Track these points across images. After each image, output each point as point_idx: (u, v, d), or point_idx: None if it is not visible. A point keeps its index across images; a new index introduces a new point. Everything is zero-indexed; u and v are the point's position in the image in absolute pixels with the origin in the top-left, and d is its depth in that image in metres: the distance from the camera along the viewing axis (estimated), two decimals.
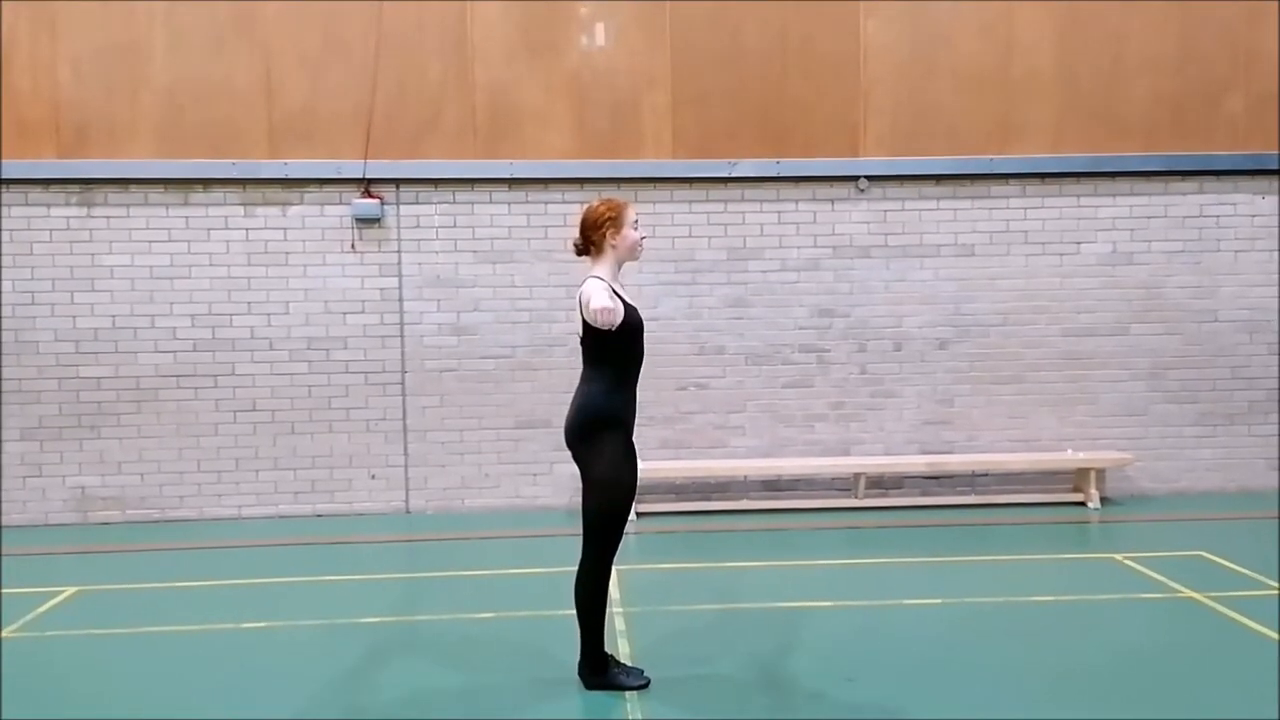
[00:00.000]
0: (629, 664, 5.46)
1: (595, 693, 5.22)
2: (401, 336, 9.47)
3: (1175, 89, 9.63)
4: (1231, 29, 9.60)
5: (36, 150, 9.11)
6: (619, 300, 4.97)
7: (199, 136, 9.20)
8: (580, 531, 5.17)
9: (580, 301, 4.92)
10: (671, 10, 9.39)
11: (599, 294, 4.82)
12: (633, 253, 5.17)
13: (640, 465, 9.72)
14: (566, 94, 9.42)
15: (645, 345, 5.22)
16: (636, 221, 5.17)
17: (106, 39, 9.12)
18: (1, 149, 9.03)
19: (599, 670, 5.27)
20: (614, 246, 5.10)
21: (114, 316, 9.28)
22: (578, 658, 5.29)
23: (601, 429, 5.04)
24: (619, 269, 5.16)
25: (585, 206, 5.22)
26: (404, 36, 9.27)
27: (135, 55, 9.15)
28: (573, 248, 5.22)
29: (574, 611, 5.20)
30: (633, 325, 5.05)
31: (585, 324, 5.01)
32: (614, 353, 5.06)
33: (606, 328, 4.85)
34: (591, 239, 5.12)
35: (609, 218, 5.09)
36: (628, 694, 5.19)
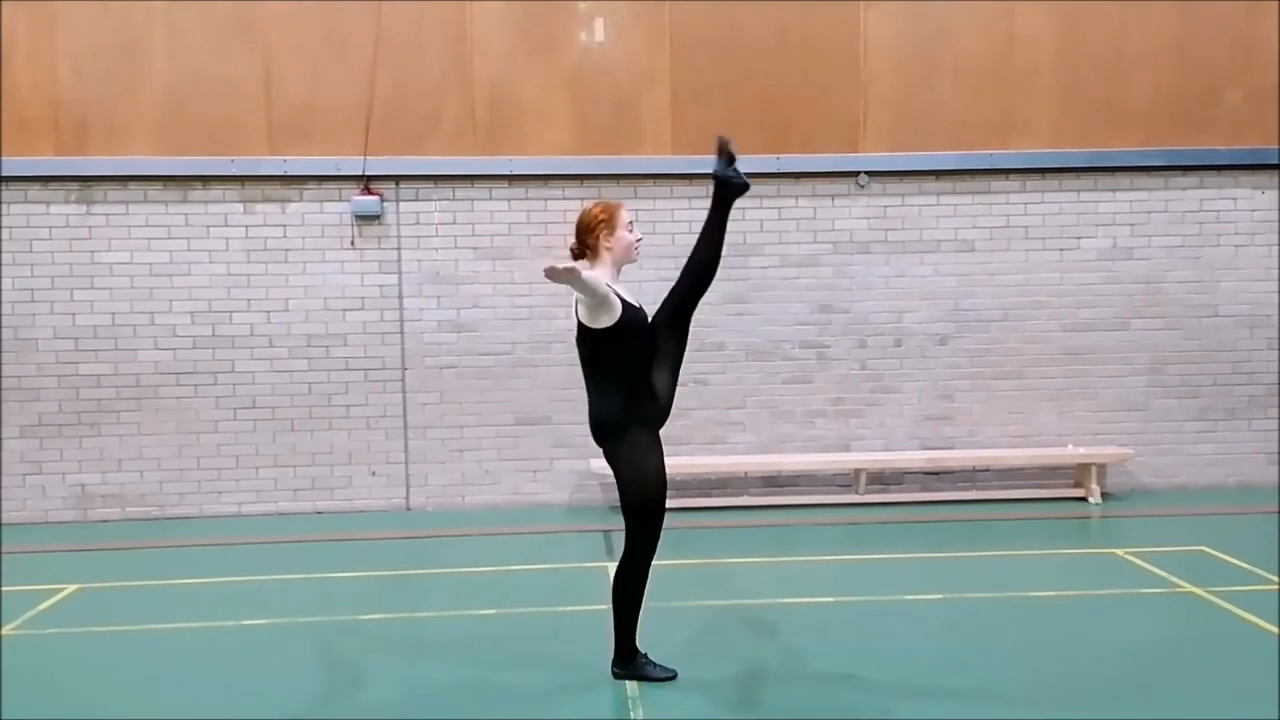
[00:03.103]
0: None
1: (597, 690, 5.22)
2: (401, 333, 9.47)
3: (1175, 84, 9.61)
4: (1231, 24, 9.58)
5: (35, 147, 9.09)
6: (615, 298, 4.98)
7: (198, 134, 9.18)
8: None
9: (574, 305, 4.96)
10: (671, 7, 9.37)
11: (591, 276, 4.86)
12: (628, 254, 5.20)
13: None
14: (566, 91, 9.40)
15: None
16: (631, 223, 5.20)
17: (106, 37, 9.09)
18: (1, 146, 9.02)
19: (627, 661, 5.31)
20: (609, 249, 5.13)
21: (113, 313, 9.27)
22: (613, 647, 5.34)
23: (626, 425, 5.13)
24: (618, 272, 5.19)
25: (581, 210, 5.23)
26: (403, 33, 9.25)
27: (134, 54, 9.13)
28: (569, 253, 5.23)
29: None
30: (632, 323, 5.05)
31: (580, 326, 5.03)
32: (613, 353, 5.07)
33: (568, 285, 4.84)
34: (586, 242, 5.17)
35: (602, 220, 5.13)
36: (629, 692, 5.19)
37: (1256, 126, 9.61)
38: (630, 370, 5.10)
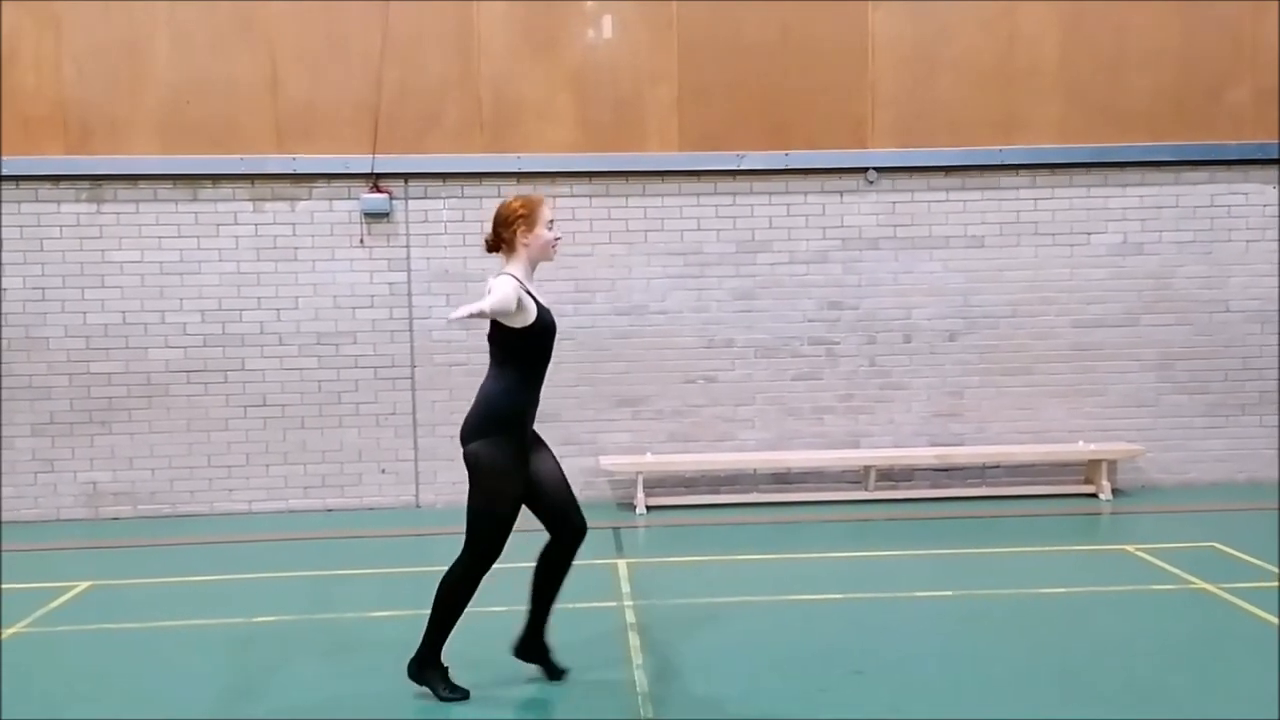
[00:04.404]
0: (633, 654, 5.46)
1: (605, 689, 5.23)
2: (410, 331, 9.48)
3: (1178, 83, 9.56)
4: (1235, 22, 9.53)
5: (43, 147, 9.12)
6: (530, 299, 4.89)
7: (204, 134, 9.20)
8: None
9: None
10: (677, 5, 9.36)
11: (501, 287, 4.75)
12: (545, 253, 5.09)
13: (650, 458, 9.71)
14: (571, 89, 9.40)
15: (557, 346, 5.14)
16: (552, 222, 5.10)
17: (110, 37, 9.11)
18: (7, 146, 9.05)
19: (427, 666, 5.14)
20: (526, 245, 5.03)
21: (124, 312, 9.30)
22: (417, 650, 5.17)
23: (497, 430, 4.97)
24: (533, 269, 5.09)
25: (501, 202, 5.17)
26: (409, 31, 9.25)
27: (139, 53, 9.14)
28: (484, 243, 5.16)
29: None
30: (545, 327, 4.97)
31: (492, 321, 4.92)
32: (522, 353, 4.99)
33: (503, 319, 4.80)
34: (503, 236, 5.07)
35: (521, 215, 5.03)
36: (638, 690, 5.19)
37: (1259, 128, 9.56)
38: (533, 371, 5.03)
